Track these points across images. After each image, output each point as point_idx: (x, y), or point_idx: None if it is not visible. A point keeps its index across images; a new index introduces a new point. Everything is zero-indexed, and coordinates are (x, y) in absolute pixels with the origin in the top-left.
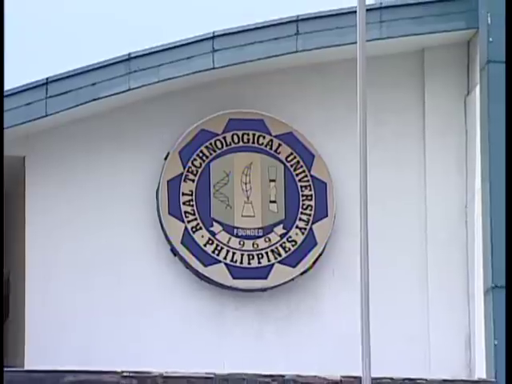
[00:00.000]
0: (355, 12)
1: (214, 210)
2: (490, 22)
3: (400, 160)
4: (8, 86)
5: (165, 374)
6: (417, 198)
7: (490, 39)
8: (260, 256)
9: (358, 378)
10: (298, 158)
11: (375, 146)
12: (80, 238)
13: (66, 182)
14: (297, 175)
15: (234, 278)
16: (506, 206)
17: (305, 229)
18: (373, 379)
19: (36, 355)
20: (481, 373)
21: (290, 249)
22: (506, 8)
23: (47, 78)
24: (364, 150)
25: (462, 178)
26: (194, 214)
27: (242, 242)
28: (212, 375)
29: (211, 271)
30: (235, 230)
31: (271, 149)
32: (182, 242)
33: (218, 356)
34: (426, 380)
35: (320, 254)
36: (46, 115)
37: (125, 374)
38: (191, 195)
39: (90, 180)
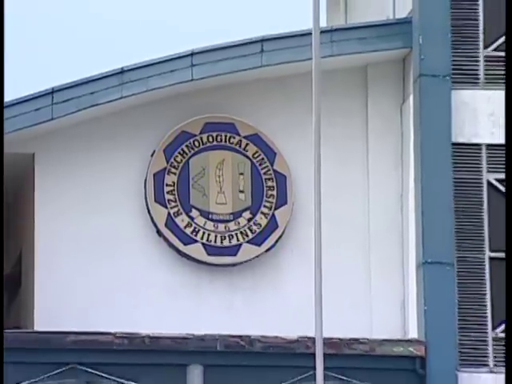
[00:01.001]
0: (311, 33)
1: (193, 198)
2: (421, 42)
3: (348, 157)
4: (19, 94)
5: (151, 335)
6: (361, 189)
7: (422, 57)
8: (231, 237)
9: (312, 338)
10: (262, 155)
11: (327, 145)
12: (80, 221)
13: (68, 175)
14: (261, 169)
15: (208, 255)
16: (506, 205)
17: (268, 214)
18: (324, 339)
19: (43, 319)
20: (413, 334)
21: (255, 231)
22: (506, 8)
23: (53, 88)
24: (318, 149)
25: (399, 172)
26: (175, 202)
27: (215, 225)
28: (191, 336)
29: (190, 249)
30: (210, 215)
31: (240, 147)
32: (165, 225)
33: (195, 320)
34: (367, 339)
35: (281, 235)
36: (52, 119)
37: (118, 335)
38: (173, 186)
39: (89, 173)
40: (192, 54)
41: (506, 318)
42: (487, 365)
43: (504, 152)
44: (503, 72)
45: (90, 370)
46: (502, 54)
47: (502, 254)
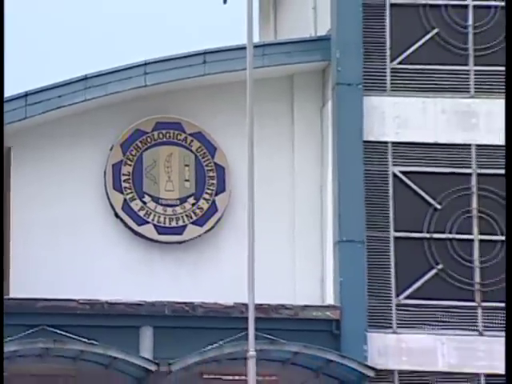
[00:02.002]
0: (245, 47)
1: (145, 186)
2: (338, 56)
3: (276, 152)
4: None
5: (109, 301)
6: (288, 180)
7: (338, 68)
8: (177, 218)
9: (245, 304)
10: (204, 150)
11: (259, 142)
12: (49, 205)
13: (40, 166)
14: (204, 162)
15: (159, 234)
16: (506, 204)
17: (209, 200)
18: (255, 305)
19: (17, 287)
20: (330, 300)
21: (198, 214)
22: (506, 8)
23: (26, 92)
24: (251, 145)
25: (319, 166)
26: (130, 189)
27: (164, 209)
28: (143, 302)
29: (143, 229)
30: (160, 200)
31: (186, 143)
32: (122, 209)
33: (147, 290)
34: (292, 305)
35: (220, 218)
36: (25, 118)
37: (81, 302)
38: (129, 175)
39: (57, 165)
40: (145, 64)
41: (506, 318)
42: (391, 326)
43: (407, 148)
44: (406, 81)
45: (56, 331)
46: (406, 66)
47: (404, 234)
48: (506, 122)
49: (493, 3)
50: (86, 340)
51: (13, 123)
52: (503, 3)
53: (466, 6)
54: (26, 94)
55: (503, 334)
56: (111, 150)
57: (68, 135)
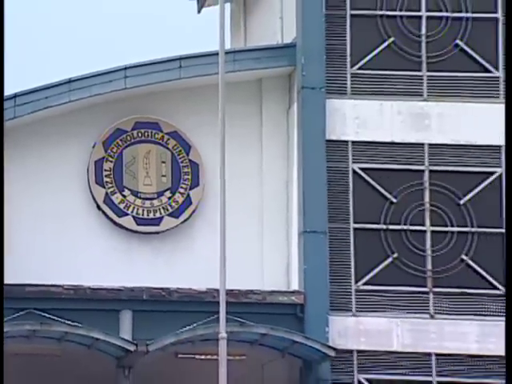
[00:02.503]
0: (217, 53)
1: (125, 180)
2: (303, 62)
3: (246, 150)
4: None
5: (92, 287)
6: (257, 175)
7: (303, 73)
8: (155, 211)
9: (217, 290)
10: (180, 148)
11: (230, 141)
12: (37, 198)
13: (28, 162)
14: (179, 159)
15: (137, 225)
16: (506, 203)
17: (184, 193)
18: (226, 290)
19: (7, 274)
20: (295, 286)
21: (174, 206)
22: (506, 9)
23: (15, 93)
24: (223, 144)
25: (286, 162)
26: (112, 183)
27: (143, 202)
28: (123, 288)
29: (123, 220)
30: (139, 194)
31: (163, 141)
32: (104, 202)
33: (127, 276)
34: (260, 291)
35: (194, 210)
36: (15, 117)
37: (65, 287)
38: (110, 171)
39: (44, 161)
40: (125, 68)
41: (506, 318)
42: (351, 310)
43: (366, 147)
44: (365, 85)
45: (43, 314)
46: (365, 71)
47: (362, 225)
48: (506, 121)
49: (444, 14)
50: (70, 322)
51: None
52: (454, 14)
53: (419, 17)
54: (15, 96)
55: (453, 317)
56: (94, 147)
57: (54, 134)
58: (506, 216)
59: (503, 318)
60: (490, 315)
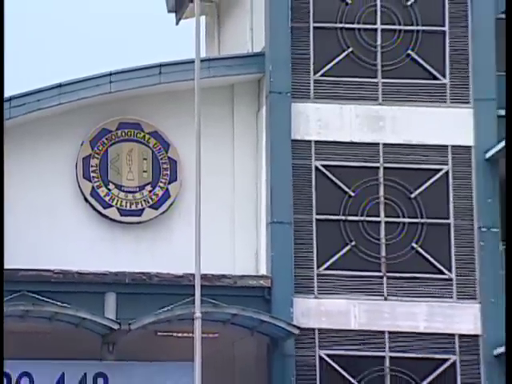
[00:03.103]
0: (194, 61)
1: (110, 175)
2: (271, 69)
3: (219, 149)
4: None
5: (79, 271)
6: (229, 172)
7: (271, 79)
8: (137, 203)
9: (193, 274)
10: (160, 146)
11: (206, 140)
12: (30, 191)
13: (23, 158)
14: (159, 156)
15: (121, 215)
16: (506, 202)
17: (163, 187)
18: (201, 274)
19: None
20: (263, 271)
21: (154, 199)
22: (506, 9)
23: (10, 96)
24: (198, 143)
25: (255, 160)
26: (98, 178)
27: (126, 195)
28: (108, 272)
29: (108, 212)
30: (122, 188)
31: (144, 140)
32: (90, 195)
33: (111, 262)
34: (231, 275)
35: (172, 203)
36: (10, 118)
37: (55, 271)
38: (96, 167)
39: (37, 157)
40: (110, 74)
41: (506, 319)
42: (313, 293)
43: (327, 146)
44: (327, 91)
45: (35, 296)
46: (326, 78)
47: (324, 217)
48: (506, 121)
49: (397, 27)
50: (59, 303)
51: None
52: (405, 27)
53: (375, 29)
54: (10, 98)
55: (404, 298)
56: (82, 145)
57: (45, 133)
58: (506, 215)
59: (449, 300)
60: (437, 297)
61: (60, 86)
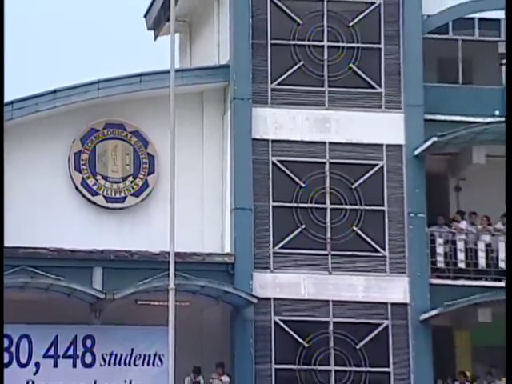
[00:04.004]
0: (169, 71)
1: (98, 168)
2: (234, 78)
3: (191, 147)
4: None
5: (71, 249)
6: (199, 166)
7: (235, 87)
8: (120, 191)
9: (168, 252)
10: (140, 143)
11: (179, 139)
12: (28, 181)
13: (22, 153)
14: (139, 152)
15: (107, 202)
16: (506, 202)
17: (143, 178)
18: (175, 252)
19: (6, 240)
20: (228, 249)
21: (135, 188)
22: (505, 8)
23: (12, 100)
24: (173, 141)
25: (221, 156)
26: (87, 170)
27: (111, 185)
28: (95, 250)
29: (96, 199)
30: (108, 178)
31: (127, 138)
32: (80, 184)
33: (99, 241)
34: (201, 253)
35: (150, 191)
36: (12, 118)
37: (51, 249)
38: (86, 161)
39: (35, 152)
40: (98, 82)
41: (506, 319)
42: (269, 268)
43: (282, 144)
44: (282, 97)
45: (33, 270)
46: (281, 86)
47: (279, 204)
48: (506, 122)
49: (341, 44)
50: (54, 276)
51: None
52: (348, 44)
53: (322, 46)
54: (12, 102)
55: (345, 273)
56: (73, 142)
57: (42, 132)
58: (506, 215)
59: (383, 274)
60: (373, 271)
61: (55, 91)
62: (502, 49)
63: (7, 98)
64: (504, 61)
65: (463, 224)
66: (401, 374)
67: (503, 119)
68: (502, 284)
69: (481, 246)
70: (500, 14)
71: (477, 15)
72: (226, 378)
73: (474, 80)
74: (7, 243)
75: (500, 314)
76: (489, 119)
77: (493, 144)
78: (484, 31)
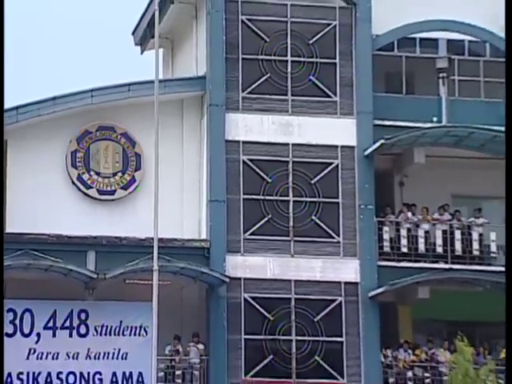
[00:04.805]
0: (153, 81)
1: (91, 165)
2: (210, 88)
3: (173, 146)
4: None
5: (68, 235)
6: (180, 162)
7: (210, 96)
8: (111, 185)
9: (152, 238)
10: (128, 144)
11: (163, 140)
12: (30, 177)
13: (24, 151)
14: (128, 151)
15: (99, 194)
16: (506, 201)
17: (131, 174)
18: (158, 238)
19: (11, 226)
20: (204, 236)
21: (124, 182)
22: (505, 9)
23: (17, 106)
24: (157, 142)
25: (199, 155)
26: (82, 167)
27: (103, 179)
28: (89, 236)
29: (90, 192)
30: (100, 174)
31: (117, 139)
32: (77, 179)
33: (92, 229)
34: (181, 239)
35: (137, 185)
36: (17, 121)
37: (51, 235)
38: (81, 158)
39: (36, 151)
40: (92, 90)
41: (506, 320)
42: (240, 251)
43: (251, 145)
44: (251, 105)
45: (35, 253)
46: (251, 95)
47: (248, 196)
48: (506, 122)
49: (302, 59)
50: (53, 258)
51: (9, 125)
52: (308, 59)
53: (286, 61)
54: (17, 107)
55: (305, 256)
56: (70, 142)
57: (43, 133)
58: (506, 215)
59: (337, 257)
60: (329, 255)
61: (54, 98)
62: (439, 64)
63: (13, 104)
64: (441, 74)
65: (409, 215)
66: (352, 343)
67: (440, 124)
68: (438, 265)
69: (420, 233)
70: (437, 34)
71: (418, 35)
72: (200, 346)
73: (416, 91)
74: (13, 230)
75: (436, 291)
76: (428, 124)
77: (431, 146)
78: (424, 49)
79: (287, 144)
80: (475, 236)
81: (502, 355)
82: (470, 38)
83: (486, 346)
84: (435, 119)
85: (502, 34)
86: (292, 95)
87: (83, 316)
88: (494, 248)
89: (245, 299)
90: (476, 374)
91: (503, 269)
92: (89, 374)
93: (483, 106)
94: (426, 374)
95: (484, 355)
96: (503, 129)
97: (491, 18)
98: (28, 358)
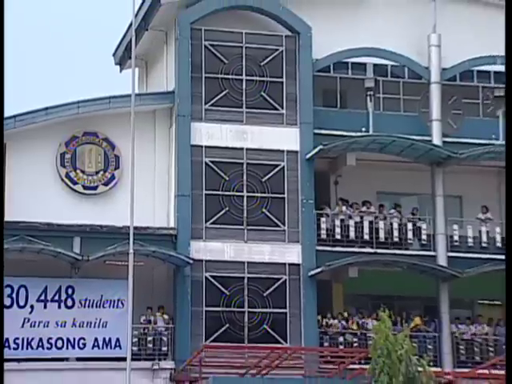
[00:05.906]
0: (130, 95)
1: (77, 164)
2: (178, 102)
3: (146, 150)
4: None
5: (58, 223)
6: (152, 164)
7: (178, 108)
8: (94, 182)
9: (129, 226)
10: (109, 147)
11: (138, 144)
12: (26, 174)
13: (21, 153)
14: (109, 154)
15: (84, 189)
16: (506, 201)
17: (111, 173)
18: (134, 226)
19: (9, 216)
20: (172, 225)
21: (105, 179)
22: (505, 8)
23: (15, 114)
24: (133, 145)
25: (168, 158)
26: (70, 166)
27: (87, 177)
28: (75, 224)
29: (76, 187)
30: (85, 172)
31: (99, 143)
32: (65, 176)
33: (78, 218)
34: (152, 227)
35: (117, 182)
36: (14, 128)
37: (43, 223)
38: (69, 159)
39: (31, 153)
40: (78, 102)
41: (506, 320)
42: (202, 238)
43: (212, 149)
44: (213, 115)
45: (29, 238)
46: (212, 108)
47: (210, 192)
48: (506, 122)
49: (254, 78)
50: (44, 243)
51: (8, 130)
52: (260, 78)
53: (242, 79)
54: (15, 116)
55: (256, 242)
56: (59, 146)
57: (37, 138)
58: (506, 215)
59: (283, 243)
60: (276, 241)
61: (46, 108)
62: (367, 84)
63: (12, 113)
64: (369, 92)
65: (343, 208)
66: (294, 314)
67: (368, 134)
68: (366, 250)
69: (351, 223)
70: (365, 59)
71: (349, 60)
72: (165, 316)
73: (348, 105)
74: (11, 218)
75: (364, 271)
76: (358, 133)
77: (361, 151)
78: (354, 71)
79: (242, 148)
80: (395, 226)
81: (413, 324)
82: (392, 62)
83: (404, 316)
84: (364, 129)
85: (418, 60)
86: (246, 108)
87: (70, 291)
88: (410, 235)
89: (206, 278)
90: (394, 339)
91: (418, 253)
92: (74, 339)
93: (403, 118)
94: (355, 339)
95: (401, 324)
96: (418, 138)
97: (409, 46)
98: (23, 326)
